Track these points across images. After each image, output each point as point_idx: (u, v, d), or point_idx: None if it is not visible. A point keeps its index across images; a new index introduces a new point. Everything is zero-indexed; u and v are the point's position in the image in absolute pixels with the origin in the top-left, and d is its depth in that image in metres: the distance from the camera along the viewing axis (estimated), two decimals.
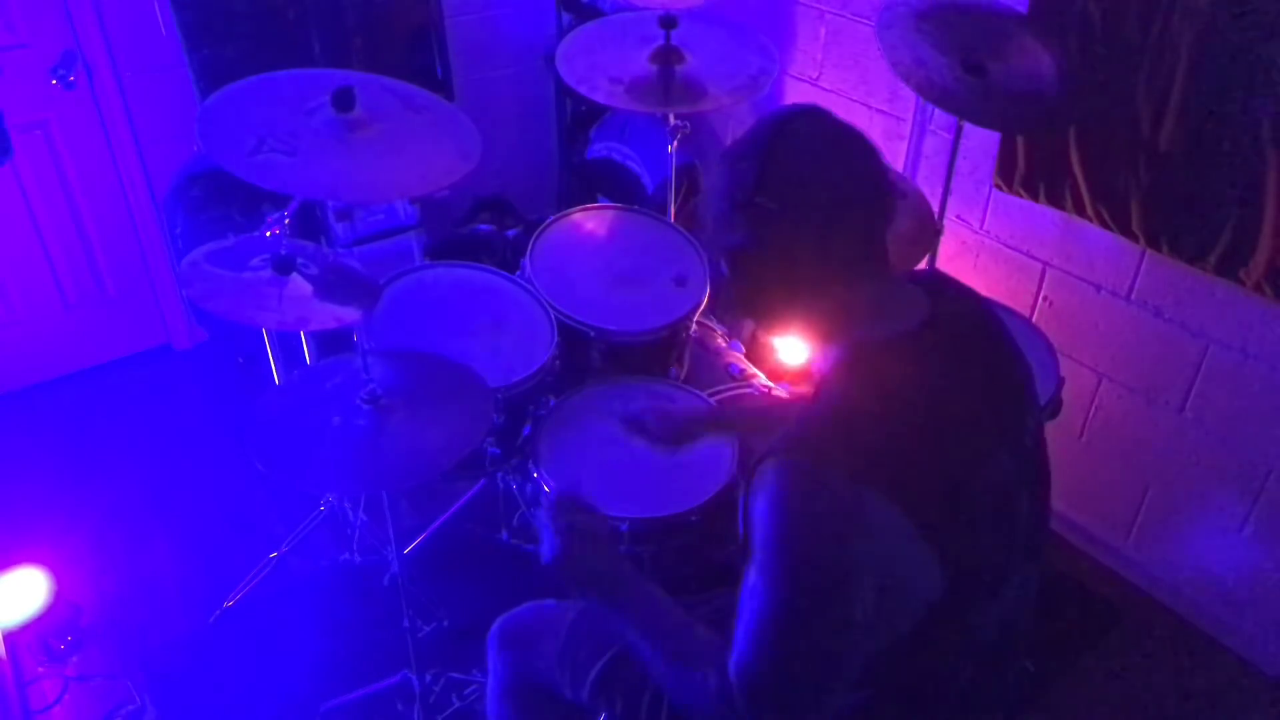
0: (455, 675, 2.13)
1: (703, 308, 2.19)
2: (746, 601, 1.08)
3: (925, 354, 1.14)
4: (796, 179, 1.10)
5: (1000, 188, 2.37)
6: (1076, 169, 2.17)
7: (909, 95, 2.52)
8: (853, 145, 1.14)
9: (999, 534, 1.17)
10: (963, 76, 1.92)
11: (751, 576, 1.08)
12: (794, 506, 1.04)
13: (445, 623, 2.25)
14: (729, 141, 3.23)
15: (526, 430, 2.04)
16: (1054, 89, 1.93)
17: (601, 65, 2.19)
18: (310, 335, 2.29)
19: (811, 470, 1.04)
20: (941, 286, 1.26)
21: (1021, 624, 1.25)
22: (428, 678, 2.08)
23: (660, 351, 2.16)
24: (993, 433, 1.16)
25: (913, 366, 1.13)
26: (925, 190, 2.35)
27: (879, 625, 1.08)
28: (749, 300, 1.20)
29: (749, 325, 2.87)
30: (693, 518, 1.80)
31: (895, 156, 2.62)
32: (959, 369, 1.16)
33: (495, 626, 1.62)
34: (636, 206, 2.48)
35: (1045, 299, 2.43)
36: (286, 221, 1.75)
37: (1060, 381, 2.05)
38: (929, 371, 1.13)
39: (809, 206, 1.10)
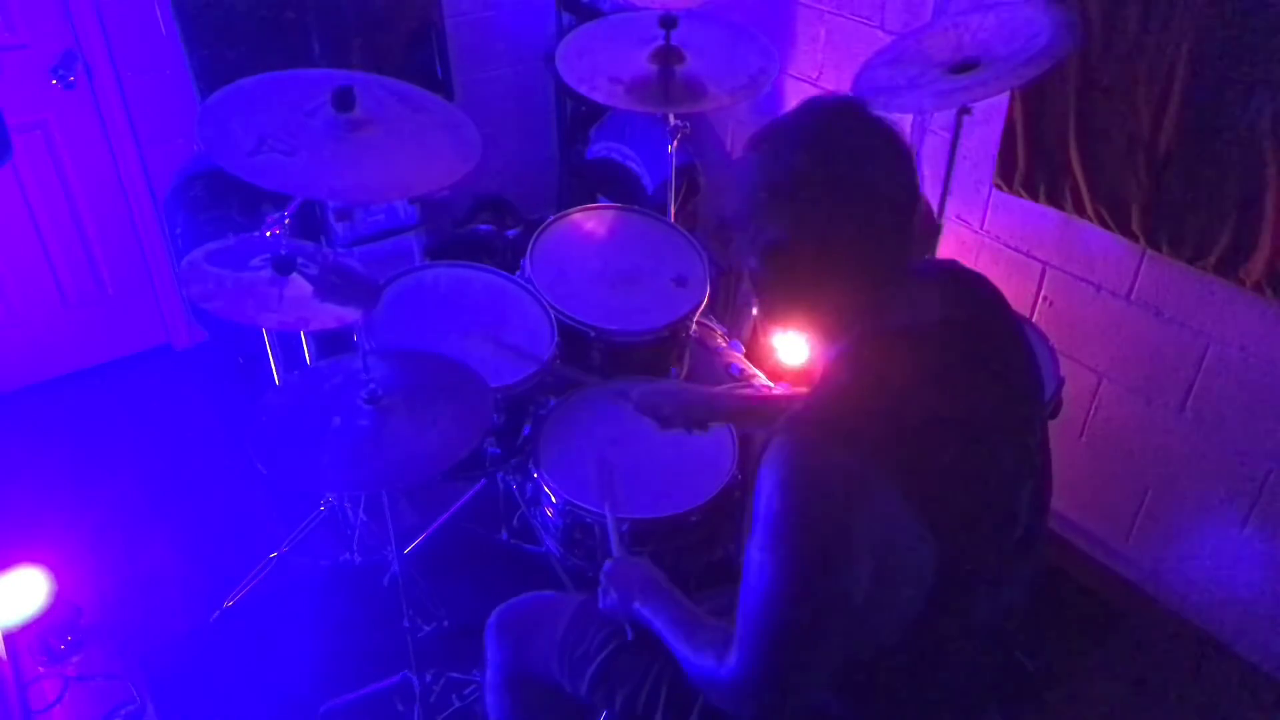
0: (455, 675, 2.13)
1: (703, 307, 2.19)
2: (748, 579, 1.10)
3: (940, 350, 1.15)
4: (844, 174, 1.09)
5: (1000, 188, 2.37)
6: (1076, 169, 2.17)
7: None
8: (892, 141, 1.13)
9: (1001, 534, 1.17)
10: (953, 75, 1.92)
11: (753, 554, 1.09)
12: (799, 479, 1.05)
13: (445, 623, 2.25)
14: (729, 142, 3.26)
15: (526, 430, 2.04)
16: (1056, 35, 1.85)
17: (601, 65, 2.20)
18: (310, 335, 2.29)
19: (818, 445, 1.06)
20: (955, 279, 1.25)
21: (1016, 618, 1.26)
22: (428, 678, 2.09)
23: (660, 351, 2.17)
24: (1001, 432, 1.16)
25: (923, 360, 1.13)
26: (926, 190, 2.35)
27: (869, 615, 1.08)
28: (774, 295, 1.19)
29: (750, 323, 2.88)
30: (693, 518, 1.80)
31: None
32: (972, 367, 1.17)
33: (494, 616, 1.62)
34: (636, 206, 2.48)
35: (1045, 299, 2.42)
36: (286, 221, 1.76)
37: (1060, 382, 2.05)
38: (941, 367, 1.14)
39: (853, 202, 1.10)
